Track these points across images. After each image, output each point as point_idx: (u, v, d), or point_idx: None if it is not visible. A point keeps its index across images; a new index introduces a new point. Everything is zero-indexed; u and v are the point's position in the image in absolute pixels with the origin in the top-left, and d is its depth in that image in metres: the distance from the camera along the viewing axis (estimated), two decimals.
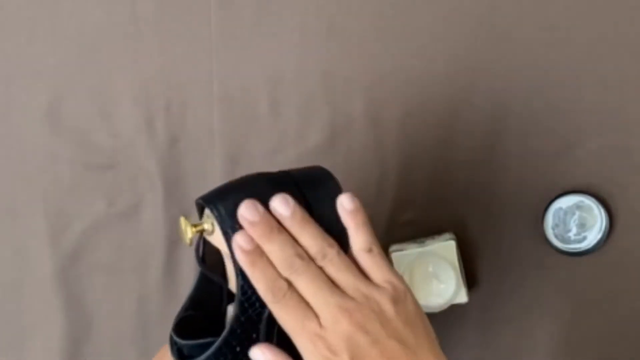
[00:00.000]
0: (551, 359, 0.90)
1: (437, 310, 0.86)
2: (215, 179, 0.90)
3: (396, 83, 0.89)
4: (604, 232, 0.87)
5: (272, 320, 0.65)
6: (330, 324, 0.62)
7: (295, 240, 0.64)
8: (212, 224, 0.67)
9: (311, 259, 0.63)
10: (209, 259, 0.72)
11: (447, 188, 0.90)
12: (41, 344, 0.92)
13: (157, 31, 0.91)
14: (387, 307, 0.63)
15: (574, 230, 0.88)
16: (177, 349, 0.69)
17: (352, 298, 0.62)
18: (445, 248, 0.86)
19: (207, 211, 0.68)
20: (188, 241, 0.67)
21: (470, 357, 0.90)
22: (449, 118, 0.89)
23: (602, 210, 0.87)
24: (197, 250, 0.72)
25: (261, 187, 0.66)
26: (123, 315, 0.91)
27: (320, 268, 0.63)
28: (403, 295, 0.64)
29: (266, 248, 0.63)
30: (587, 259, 0.88)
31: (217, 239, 0.67)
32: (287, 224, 0.64)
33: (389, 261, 0.66)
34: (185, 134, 0.91)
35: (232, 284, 0.71)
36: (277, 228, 0.64)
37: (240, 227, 0.64)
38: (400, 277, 0.65)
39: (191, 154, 0.91)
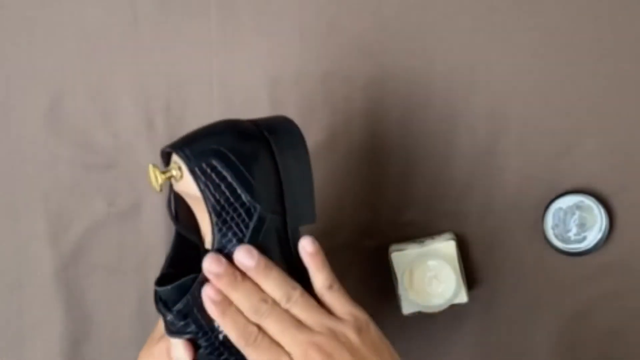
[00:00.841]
0: (551, 359, 0.90)
1: (437, 310, 0.86)
2: None
3: (396, 83, 0.89)
4: (604, 232, 0.87)
5: None
6: (302, 359, 0.67)
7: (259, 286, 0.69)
8: (180, 169, 0.69)
9: (276, 303, 0.68)
10: (183, 219, 0.74)
11: (447, 188, 0.90)
12: (41, 344, 0.92)
13: (157, 31, 0.91)
14: (353, 336, 0.68)
15: (574, 230, 0.88)
16: (162, 303, 0.70)
17: (319, 332, 0.68)
18: (445, 248, 0.86)
19: (174, 157, 0.70)
20: (158, 187, 0.70)
21: (470, 357, 0.90)
22: (448, 118, 0.89)
23: (602, 210, 0.87)
24: (169, 207, 0.74)
25: (228, 135, 0.70)
26: (123, 315, 0.92)
27: (286, 310, 0.69)
28: (365, 325, 0.70)
29: (232, 297, 0.68)
30: (587, 259, 0.89)
31: (185, 183, 0.70)
32: (252, 274, 0.69)
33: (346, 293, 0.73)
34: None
35: (207, 241, 0.72)
36: (240, 277, 0.68)
37: (208, 167, 0.68)
38: (360, 308, 0.71)
39: None
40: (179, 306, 0.68)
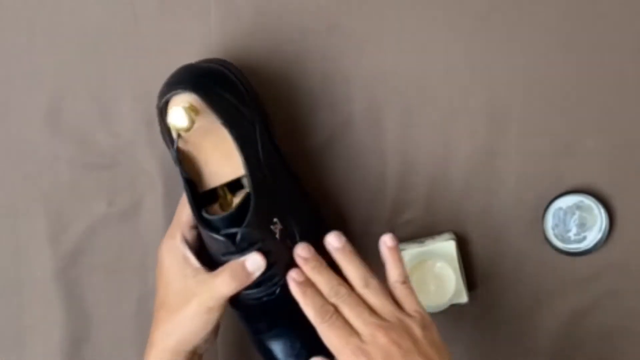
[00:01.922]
0: (551, 359, 0.90)
1: (437, 310, 0.86)
2: None
3: (396, 83, 0.89)
4: (604, 232, 0.87)
5: (273, 165, 0.81)
6: (370, 339, 0.74)
7: (341, 271, 0.79)
8: (191, 106, 0.78)
9: (354, 286, 0.78)
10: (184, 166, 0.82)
11: (447, 188, 0.90)
12: (41, 344, 0.92)
13: (157, 31, 0.91)
14: (417, 330, 0.75)
15: (574, 230, 0.88)
16: (230, 224, 0.78)
17: (388, 320, 0.76)
18: (445, 248, 0.86)
19: (179, 100, 0.79)
20: (191, 125, 0.77)
21: (470, 357, 0.90)
22: (448, 118, 0.89)
23: (602, 210, 0.87)
24: (174, 150, 0.81)
25: (206, 71, 0.82)
26: (123, 315, 0.92)
27: (360, 296, 0.77)
28: (430, 324, 0.77)
29: (315, 279, 0.78)
30: (587, 259, 0.89)
31: (200, 118, 0.78)
32: (338, 255, 0.79)
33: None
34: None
35: (211, 179, 0.83)
36: (325, 264, 0.79)
37: (215, 95, 0.79)
38: (425, 310, 0.78)
39: None
40: (248, 220, 0.77)
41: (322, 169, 0.90)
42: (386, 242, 0.80)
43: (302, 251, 0.79)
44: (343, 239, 0.80)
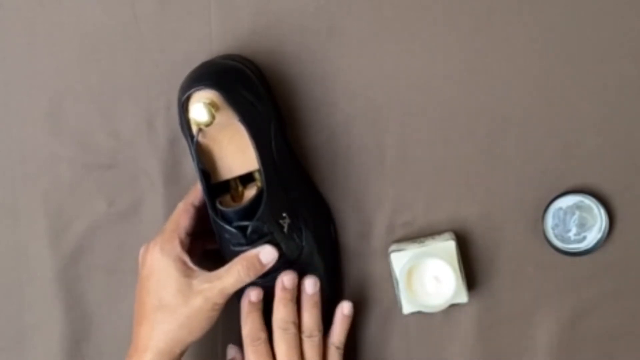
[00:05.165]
0: (551, 359, 0.90)
1: (437, 310, 0.86)
2: None
3: (396, 83, 0.89)
4: (604, 232, 0.87)
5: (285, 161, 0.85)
6: None
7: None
8: (213, 102, 0.81)
9: (301, 331, 0.84)
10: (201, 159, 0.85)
11: (446, 188, 0.90)
12: (41, 344, 0.92)
13: (157, 31, 0.91)
14: None
15: (574, 230, 0.88)
16: (240, 218, 0.81)
17: None
18: (445, 248, 0.86)
19: (200, 96, 0.81)
20: (211, 120, 0.80)
21: (470, 357, 0.90)
22: (448, 118, 0.89)
23: (602, 210, 0.87)
24: (194, 144, 0.83)
25: (231, 68, 0.85)
26: (123, 315, 0.91)
27: (301, 339, 0.84)
28: None
29: (279, 308, 0.84)
30: (587, 259, 0.89)
31: (220, 114, 0.81)
32: (305, 298, 0.85)
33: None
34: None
35: (219, 173, 0.85)
36: (294, 300, 0.84)
37: (236, 94, 0.82)
38: None
39: None
40: (259, 214, 0.81)
41: (321, 169, 0.90)
42: (343, 309, 0.87)
43: (287, 281, 0.84)
44: (317, 287, 0.85)
